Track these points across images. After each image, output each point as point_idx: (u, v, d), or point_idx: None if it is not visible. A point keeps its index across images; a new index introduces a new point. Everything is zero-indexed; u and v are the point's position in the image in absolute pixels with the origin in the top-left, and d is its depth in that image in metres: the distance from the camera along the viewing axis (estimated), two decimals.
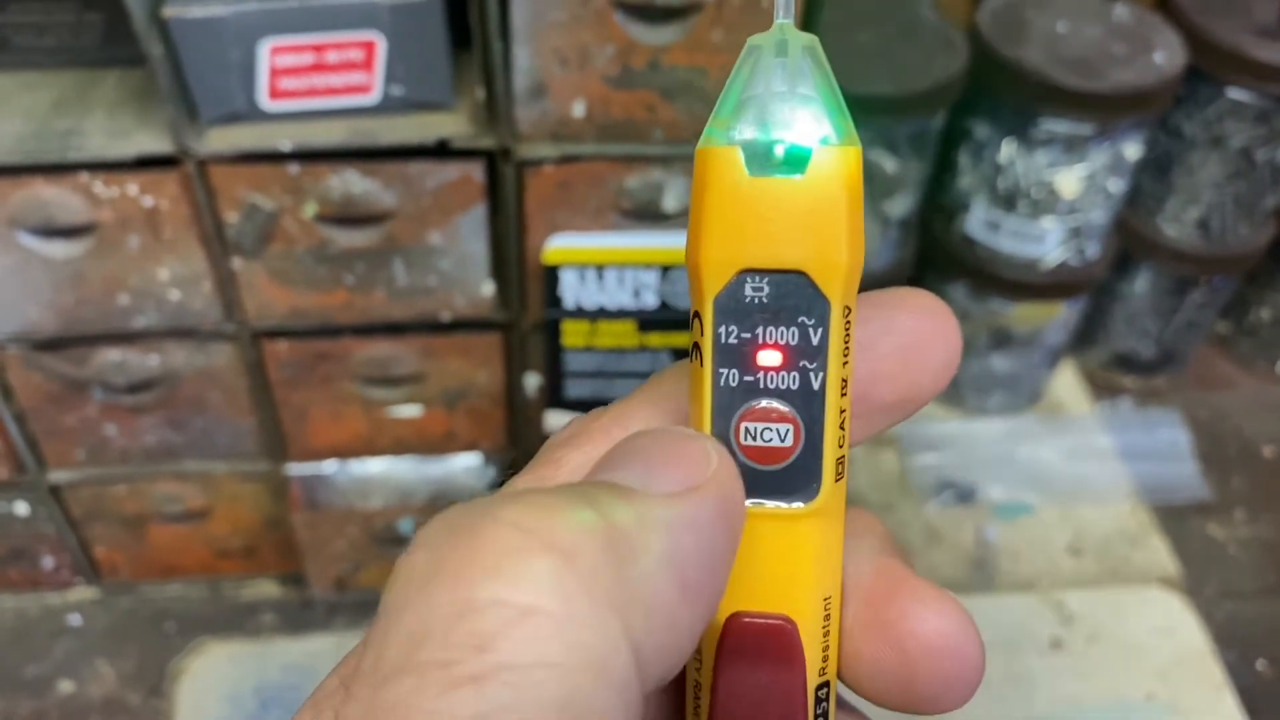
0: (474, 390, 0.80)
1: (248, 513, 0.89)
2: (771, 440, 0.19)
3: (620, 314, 0.73)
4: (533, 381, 0.79)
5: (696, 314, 0.19)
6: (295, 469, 0.84)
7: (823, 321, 0.19)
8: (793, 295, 0.19)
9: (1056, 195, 0.93)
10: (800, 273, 0.18)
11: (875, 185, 0.89)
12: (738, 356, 0.19)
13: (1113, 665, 0.91)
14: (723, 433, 0.19)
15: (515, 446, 0.84)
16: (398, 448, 0.84)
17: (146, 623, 0.92)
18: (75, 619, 0.92)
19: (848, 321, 0.19)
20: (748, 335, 0.19)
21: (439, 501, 0.85)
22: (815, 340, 0.19)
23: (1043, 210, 0.95)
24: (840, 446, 0.19)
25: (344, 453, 0.84)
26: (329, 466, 0.85)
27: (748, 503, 0.19)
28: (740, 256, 0.18)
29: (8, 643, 0.91)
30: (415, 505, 0.85)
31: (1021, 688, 0.89)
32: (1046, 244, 0.97)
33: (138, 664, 0.89)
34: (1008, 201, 0.95)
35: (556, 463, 0.20)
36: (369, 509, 0.85)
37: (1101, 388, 1.17)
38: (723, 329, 0.19)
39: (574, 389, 0.76)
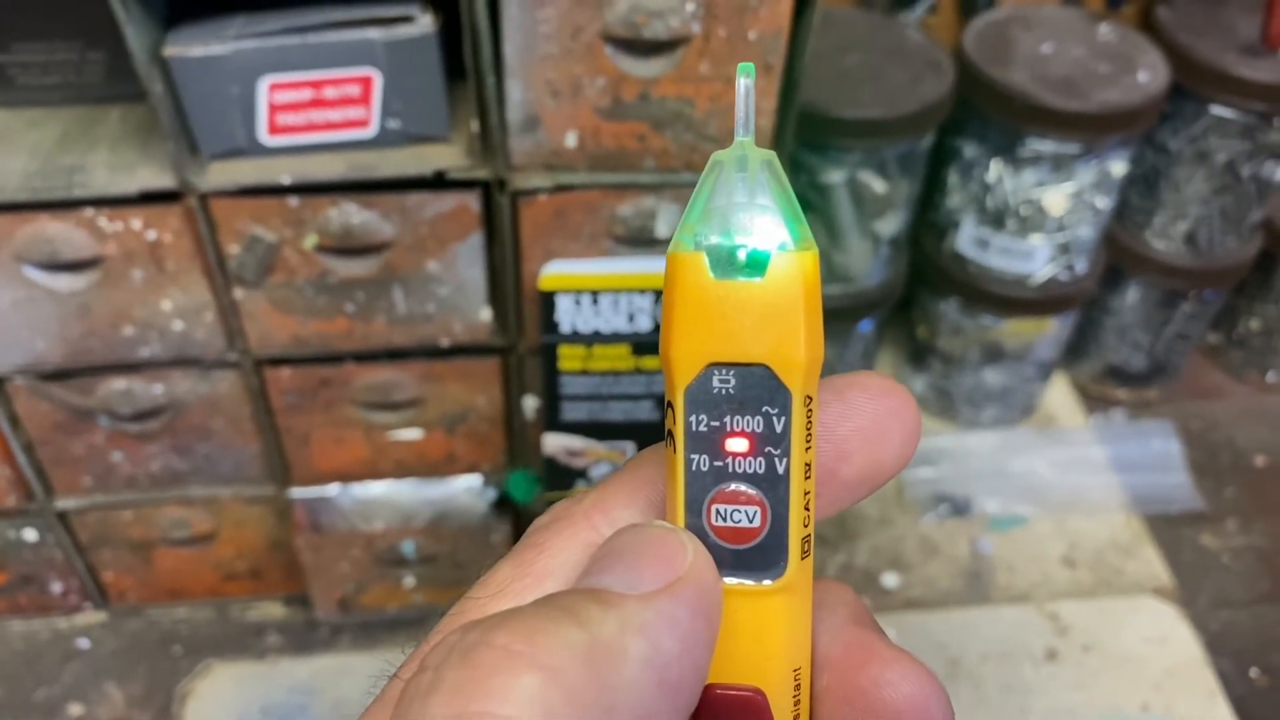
0: (473, 414, 0.82)
1: (253, 536, 0.90)
2: (740, 521, 0.20)
3: (615, 338, 0.74)
4: (531, 404, 0.80)
5: (669, 404, 0.21)
6: (299, 493, 0.85)
7: (785, 410, 0.20)
8: (756, 386, 0.20)
9: (1044, 213, 0.95)
10: (763, 366, 0.20)
11: (866, 205, 0.91)
12: (708, 443, 0.20)
13: (1107, 675, 0.92)
14: (695, 514, 0.21)
15: (514, 468, 0.86)
16: (399, 470, 0.85)
17: (154, 645, 0.94)
18: (84, 642, 0.94)
19: (809, 410, 0.20)
20: (716, 424, 0.20)
21: (440, 522, 0.87)
22: (779, 428, 0.20)
23: (1031, 228, 0.96)
24: (805, 526, 0.21)
25: (346, 476, 0.85)
26: (332, 490, 0.86)
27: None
28: (707, 351, 0.20)
29: (18, 666, 0.92)
30: (417, 527, 0.86)
31: (1017, 698, 0.90)
32: (1035, 260, 0.98)
33: (146, 686, 0.90)
34: (996, 219, 0.97)
35: (539, 547, 0.22)
36: (372, 531, 0.86)
37: (1094, 400, 1.18)
38: (693, 418, 0.20)
39: (571, 411, 0.77)
